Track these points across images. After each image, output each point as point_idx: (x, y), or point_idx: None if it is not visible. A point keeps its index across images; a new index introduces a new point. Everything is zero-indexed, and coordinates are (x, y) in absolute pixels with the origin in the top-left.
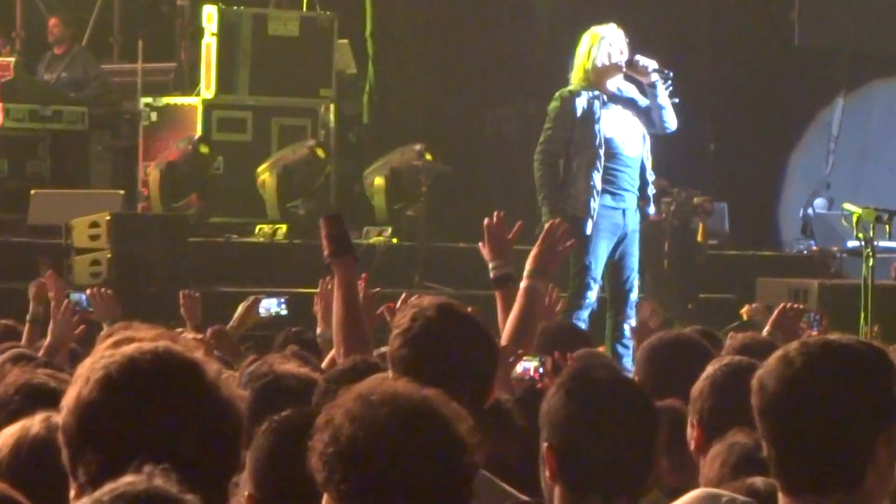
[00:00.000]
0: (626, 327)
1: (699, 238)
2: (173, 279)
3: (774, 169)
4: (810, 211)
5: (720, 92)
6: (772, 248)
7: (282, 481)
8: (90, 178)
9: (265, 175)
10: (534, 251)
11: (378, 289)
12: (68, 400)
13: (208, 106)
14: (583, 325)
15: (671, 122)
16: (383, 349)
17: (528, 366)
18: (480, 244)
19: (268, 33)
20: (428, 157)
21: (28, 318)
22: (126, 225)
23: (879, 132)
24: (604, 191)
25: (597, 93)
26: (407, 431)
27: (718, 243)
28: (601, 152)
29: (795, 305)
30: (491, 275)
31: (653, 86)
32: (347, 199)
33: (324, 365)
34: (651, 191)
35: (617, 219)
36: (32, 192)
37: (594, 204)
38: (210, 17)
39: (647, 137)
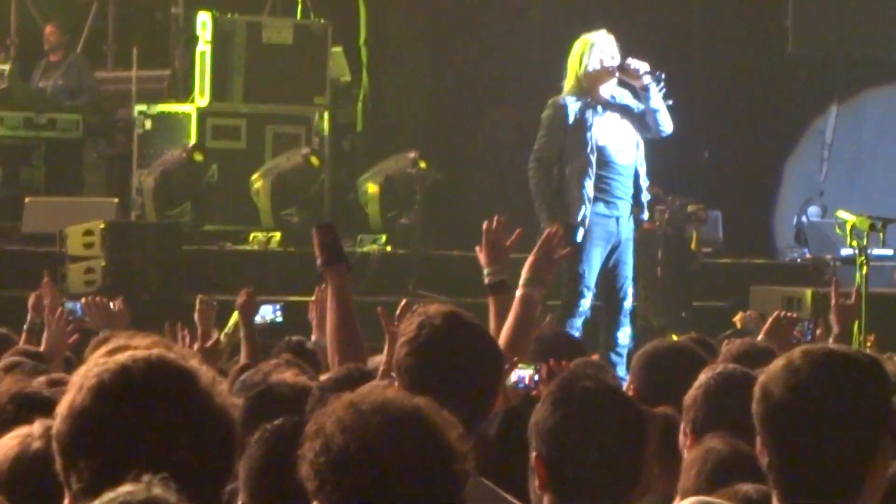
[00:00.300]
0: (620, 336)
1: (693, 246)
2: (167, 287)
3: (768, 177)
4: (804, 219)
5: (714, 100)
6: (766, 256)
7: (275, 490)
8: (84, 186)
9: (259, 183)
10: (530, 260)
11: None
12: (62, 408)
13: (202, 114)
14: (576, 334)
15: (666, 124)
16: (377, 358)
17: (523, 374)
18: (477, 248)
19: (262, 41)
20: (422, 164)
21: (25, 327)
22: (120, 233)
23: (873, 140)
24: (597, 199)
25: (589, 100)
26: (398, 440)
27: (712, 251)
28: (593, 159)
29: (789, 314)
30: (485, 281)
31: (646, 89)
32: (341, 206)
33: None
34: (645, 197)
35: (610, 227)
36: (26, 199)
37: (586, 211)
38: (204, 24)
39: (641, 145)
